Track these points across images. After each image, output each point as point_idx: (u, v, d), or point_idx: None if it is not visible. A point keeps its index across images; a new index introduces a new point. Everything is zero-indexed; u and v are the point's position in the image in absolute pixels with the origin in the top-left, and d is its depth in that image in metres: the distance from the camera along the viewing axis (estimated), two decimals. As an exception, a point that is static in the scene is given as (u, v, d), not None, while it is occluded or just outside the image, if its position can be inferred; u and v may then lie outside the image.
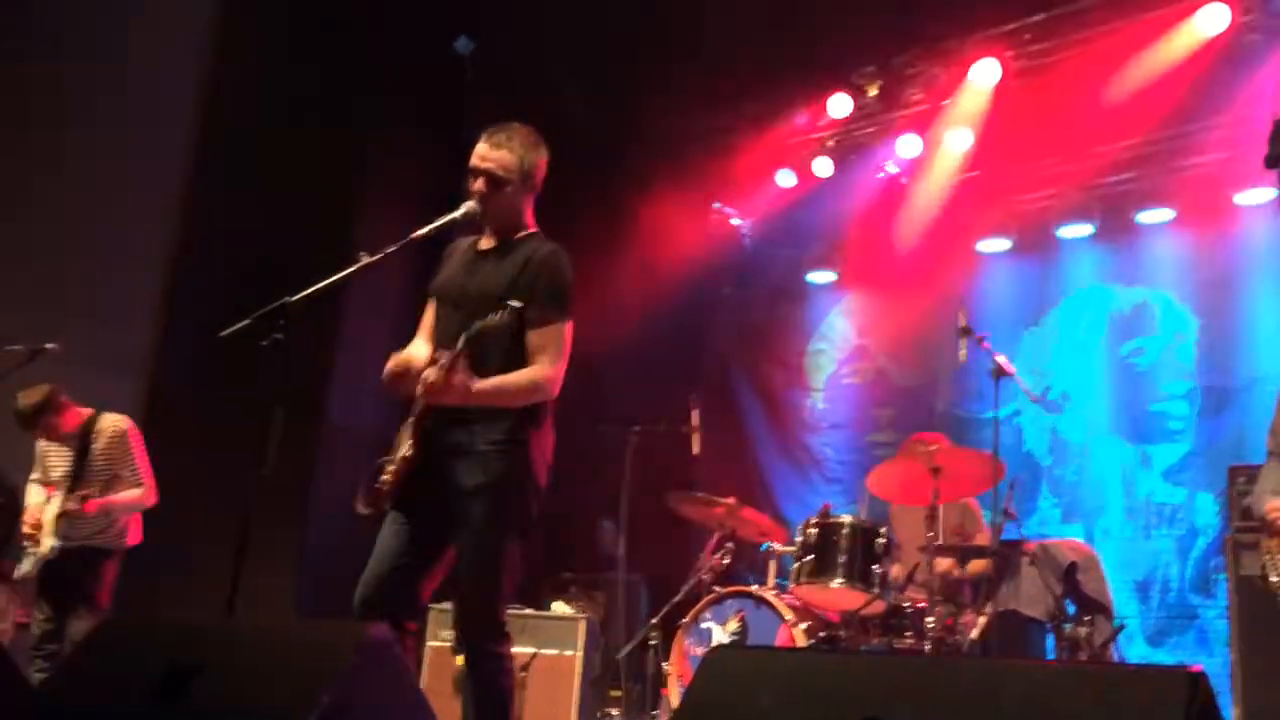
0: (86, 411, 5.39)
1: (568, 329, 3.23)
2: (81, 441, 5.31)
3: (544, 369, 3.16)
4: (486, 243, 3.37)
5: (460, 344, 3.04)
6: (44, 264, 6.44)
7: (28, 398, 5.24)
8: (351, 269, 3.22)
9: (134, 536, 5.38)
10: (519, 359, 3.17)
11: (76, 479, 5.23)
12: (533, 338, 3.18)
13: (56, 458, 5.38)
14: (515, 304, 3.13)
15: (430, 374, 3.06)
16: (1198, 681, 1.47)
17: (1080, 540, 6.43)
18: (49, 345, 5.16)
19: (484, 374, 3.13)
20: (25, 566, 5.22)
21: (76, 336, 5.47)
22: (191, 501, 5.67)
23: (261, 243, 6.49)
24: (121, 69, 6.67)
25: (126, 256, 6.75)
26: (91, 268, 6.54)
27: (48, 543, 5.17)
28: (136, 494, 5.29)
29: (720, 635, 5.10)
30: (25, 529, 5.24)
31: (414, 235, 3.25)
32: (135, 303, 6.79)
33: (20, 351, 5.14)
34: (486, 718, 3.12)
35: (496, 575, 3.13)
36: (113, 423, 5.38)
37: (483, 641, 3.13)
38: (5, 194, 6.42)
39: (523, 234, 3.34)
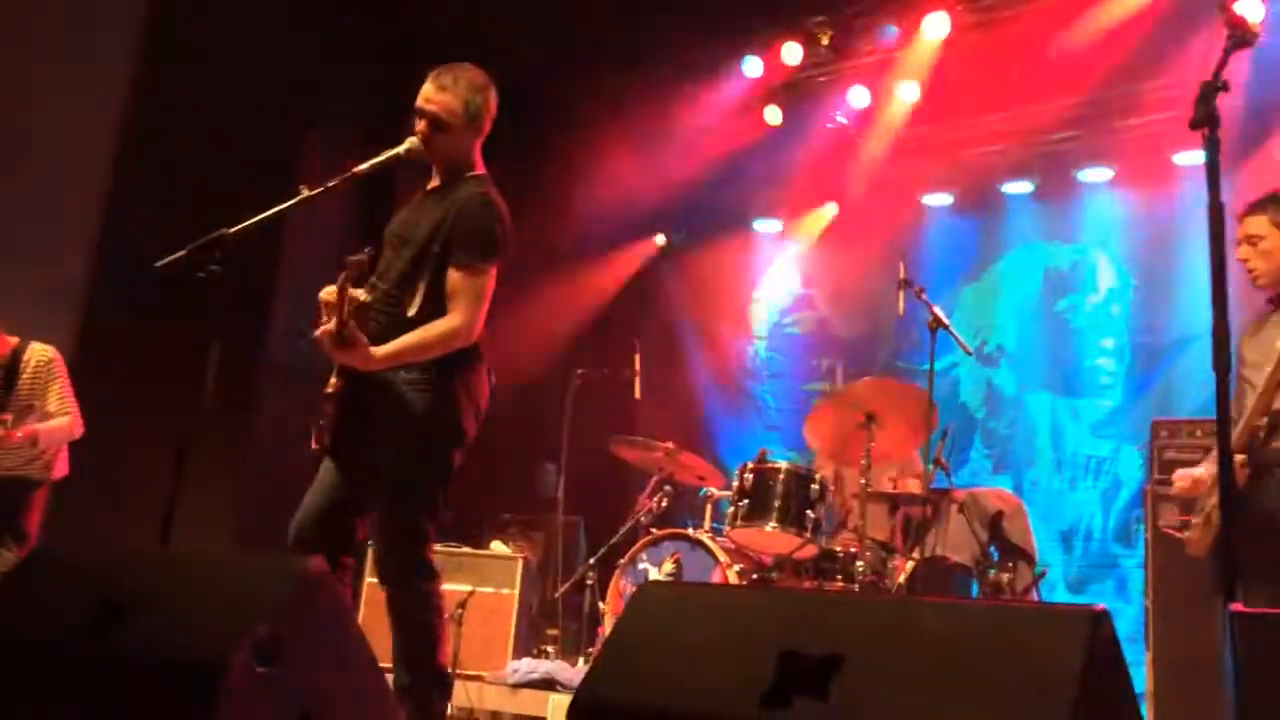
0: (13, 340, 5.30)
1: (483, 274, 3.17)
2: (7, 371, 5.22)
3: (456, 318, 3.13)
4: (433, 184, 3.36)
5: (341, 302, 2.99)
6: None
7: None
8: (291, 202, 3.19)
9: (61, 469, 5.32)
10: (440, 302, 3.16)
11: (1, 408, 5.14)
12: (449, 282, 3.15)
13: None
14: (436, 248, 3.16)
15: (319, 333, 3.05)
16: (1100, 619, 1.54)
17: (1008, 490, 6.61)
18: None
19: (402, 321, 3.15)
20: None
21: (7, 268, 5.36)
22: (126, 436, 5.61)
23: (199, 175, 6.37)
24: (66, 11, 6.47)
25: (60, 187, 6.59)
26: (24, 199, 6.38)
27: None
28: (64, 422, 5.21)
29: (656, 576, 5.19)
30: None
31: (355, 170, 3.22)
32: (69, 235, 6.65)
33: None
34: (412, 653, 3.13)
35: (412, 513, 3.13)
36: (39, 352, 5.30)
37: (400, 579, 3.13)
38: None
39: (466, 176, 3.30)
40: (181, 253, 3.07)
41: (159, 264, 3.10)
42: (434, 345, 3.13)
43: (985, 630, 1.58)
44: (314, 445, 3.22)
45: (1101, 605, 1.58)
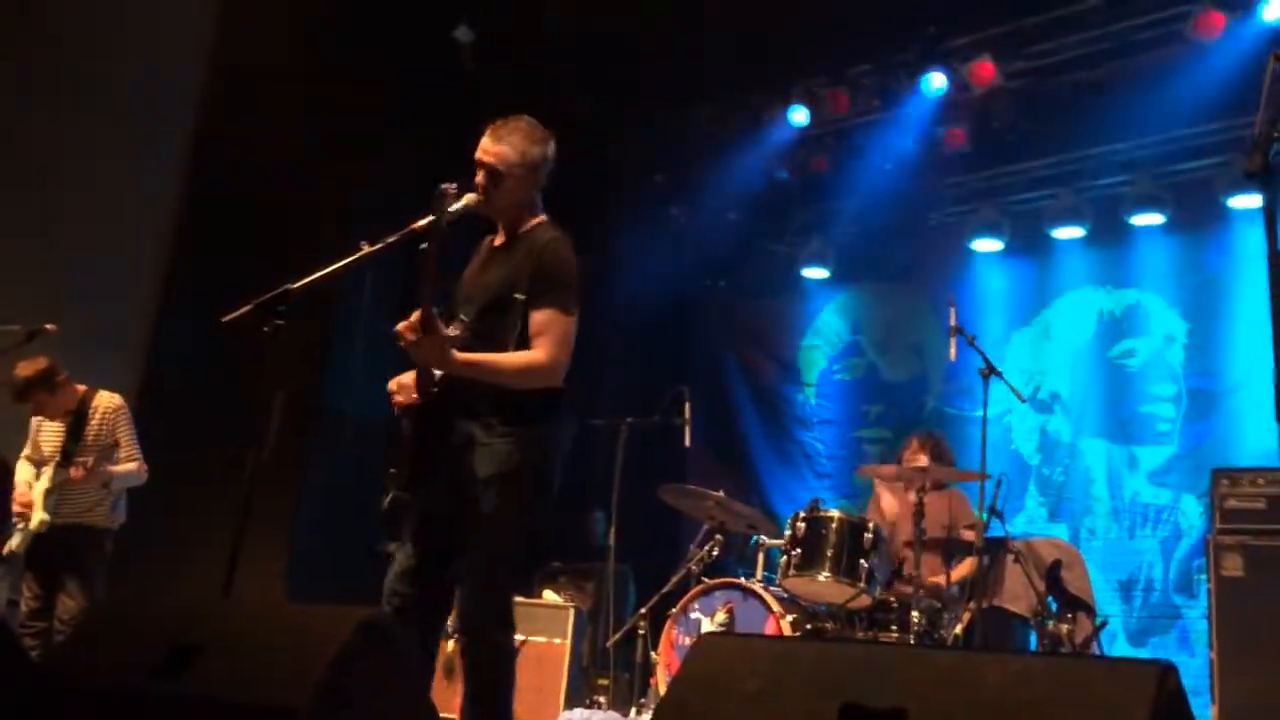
0: (82, 388, 5.44)
1: (568, 316, 3.17)
2: (76, 418, 5.36)
3: (539, 354, 3.12)
4: (499, 239, 3.39)
5: (424, 299, 3.00)
6: (42, 243, 6.47)
7: (23, 370, 5.28)
8: (352, 258, 3.24)
9: (120, 517, 5.42)
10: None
11: (68, 455, 5.27)
12: (535, 323, 3.15)
13: (49, 433, 5.42)
14: (519, 296, 3.15)
15: (402, 326, 3.06)
16: (1166, 674, 1.53)
17: (1064, 539, 6.51)
18: (47, 326, 5.20)
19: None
20: (14, 542, 5.26)
21: (74, 316, 5.51)
22: (182, 482, 5.70)
23: (262, 227, 6.53)
24: (123, 50, 6.69)
25: (126, 236, 6.78)
26: (90, 248, 6.57)
27: (38, 517, 5.21)
28: (132, 468, 5.33)
29: (708, 626, 5.15)
30: (15, 505, 5.28)
31: (413, 226, 3.26)
32: (133, 283, 6.83)
33: (17, 331, 5.17)
34: (482, 706, 3.10)
35: (505, 565, 3.13)
36: (107, 399, 5.44)
37: (485, 629, 3.10)
38: (4, 173, 6.44)
39: (529, 225, 3.33)
40: (247, 308, 3.14)
41: (225, 319, 3.16)
42: (513, 372, 3.12)
43: (1050, 685, 1.57)
44: (392, 496, 3.22)
45: (1168, 660, 1.56)
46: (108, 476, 5.22)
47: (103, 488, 5.28)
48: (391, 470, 3.20)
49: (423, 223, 3.16)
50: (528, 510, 3.15)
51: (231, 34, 6.89)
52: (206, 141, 6.93)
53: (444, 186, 3.01)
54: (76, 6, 6.66)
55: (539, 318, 3.14)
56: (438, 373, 3.19)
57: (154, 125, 6.85)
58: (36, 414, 5.44)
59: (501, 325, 3.17)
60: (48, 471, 5.29)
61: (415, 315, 3.04)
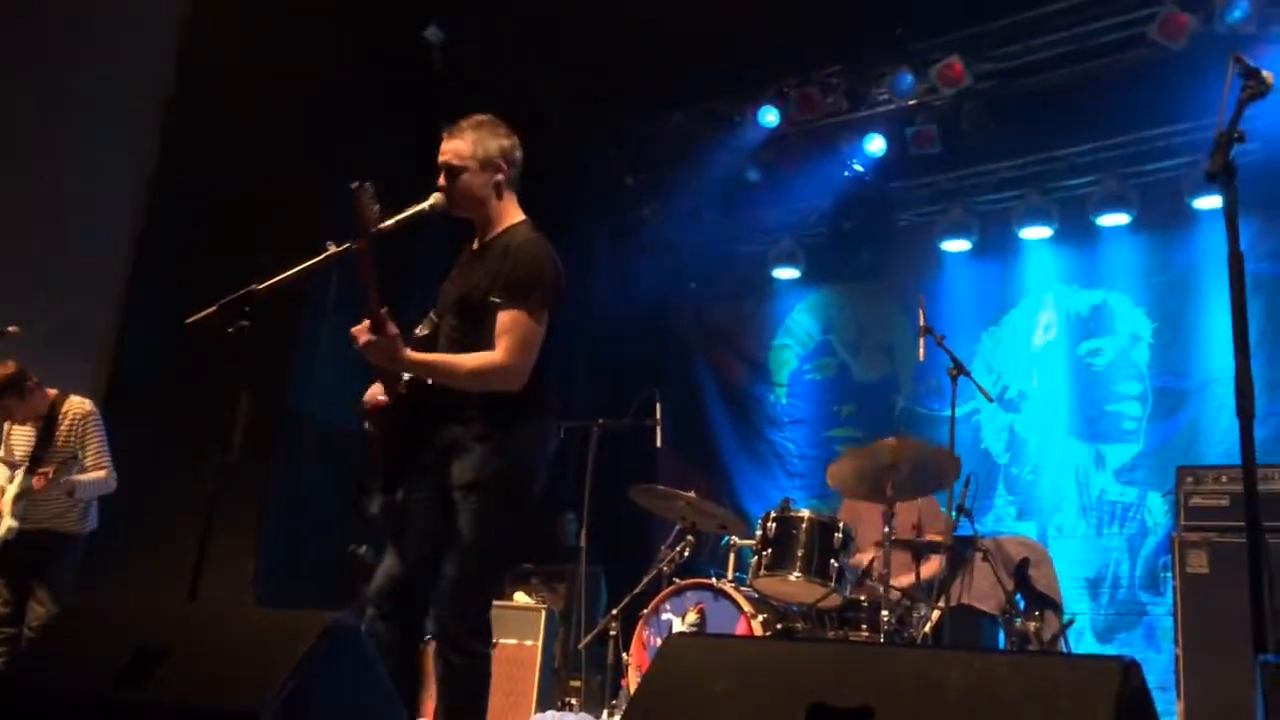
0: (53, 393, 5.38)
1: (532, 318, 3.09)
2: (47, 423, 5.29)
3: (496, 355, 3.06)
4: (476, 244, 3.35)
5: (370, 299, 2.97)
6: (5, 246, 6.38)
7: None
8: (318, 259, 3.22)
9: (91, 523, 5.37)
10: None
11: (37, 460, 5.21)
12: (499, 323, 3.09)
13: (20, 438, 5.36)
14: (495, 299, 3.12)
15: (356, 329, 3.02)
16: (1130, 670, 1.54)
17: (1033, 538, 6.56)
18: (10, 329, 5.13)
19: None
20: None
21: (37, 319, 5.44)
22: (150, 486, 5.65)
23: (227, 229, 6.47)
24: (90, 49, 6.62)
25: (90, 238, 6.70)
26: (54, 250, 6.50)
27: (5, 524, 5.15)
28: (100, 475, 5.28)
29: (679, 627, 5.15)
30: None
31: (380, 226, 3.24)
32: (98, 285, 6.75)
33: (-21, 334, 5.11)
34: (461, 715, 3.06)
35: (480, 573, 3.09)
36: (78, 404, 5.38)
37: (461, 639, 3.04)
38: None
39: (505, 225, 3.28)
40: (212, 309, 3.12)
41: (189, 320, 3.14)
42: (467, 373, 3.06)
43: (1014, 682, 1.58)
44: (381, 501, 3.21)
45: (1131, 657, 1.57)
46: (70, 486, 5.16)
47: (69, 496, 5.22)
48: (363, 475, 3.18)
49: (389, 223, 3.14)
50: (506, 518, 3.11)
51: (197, 36, 6.83)
52: (173, 142, 6.86)
53: (354, 185, 2.95)
54: (42, 9, 6.58)
55: (503, 318, 3.09)
56: (407, 375, 3.17)
57: (119, 125, 6.78)
58: (5, 419, 5.37)
59: (478, 329, 3.13)
60: (17, 477, 5.23)
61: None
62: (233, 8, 6.81)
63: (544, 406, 3.20)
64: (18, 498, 5.16)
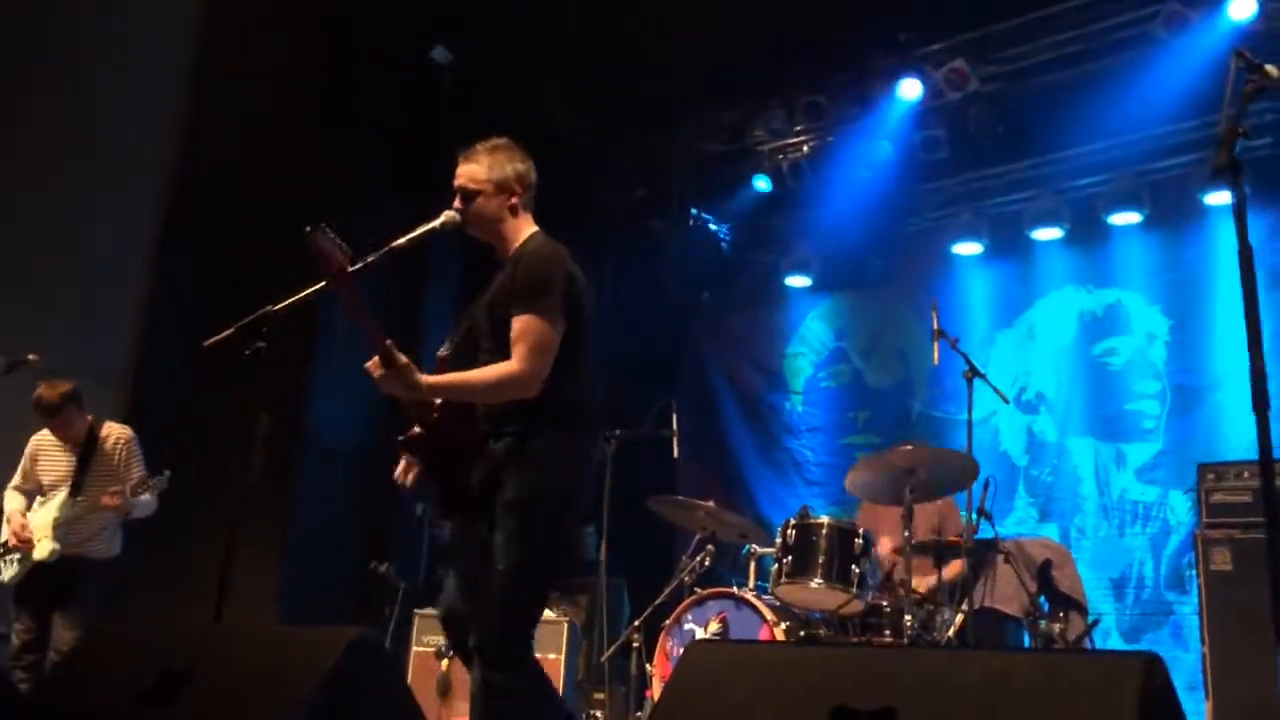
0: (89, 418, 5.42)
1: (544, 321, 3.06)
2: (85, 448, 5.33)
3: (511, 364, 3.03)
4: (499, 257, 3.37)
5: (372, 334, 2.93)
6: (23, 276, 6.45)
7: (56, 386, 5.25)
8: (317, 285, 3.21)
9: (115, 548, 5.39)
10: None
11: (79, 485, 5.24)
12: (511, 331, 3.06)
13: (54, 460, 5.35)
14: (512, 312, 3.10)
15: (369, 365, 2.99)
16: (1152, 665, 1.54)
17: (1054, 539, 6.53)
18: (30, 356, 5.17)
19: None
20: (9, 574, 5.20)
21: (55, 348, 5.49)
22: (171, 508, 5.68)
23: (240, 253, 6.52)
24: (105, 71, 6.70)
25: (106, 267, 6.76)
26: (70, 279, 6.56)
27: (48, 547, 5.15)
28: (148, 498, 5.29)
29: (702, 636, 5.15)
30: (11, 538, 5.21)
31: (393, 245, 3.25)
32: (116, 313, 6.80)
33: (0, 363, 5.15)
34: None
35: (515, 589, 2.99)
36: (120, 429, 5.44)
37: (499, 659, 2.95)
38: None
39: (520, 241, 3.30)
40: (228, 331, 3.14)
41: (207, 343, 3.17)
42: (484, 387, 3.04)
43: (1035, 680, 1.58)
44: (435, 521, 3.22)
45: (1154, 652, 1.57)
46: (130, 507, 5.19)
47: (114, 519, 5.25)
48: (422, 503, 3.19)
49: (402, 240, 3.18)
50: (543, 533, 3.05)
51: (211, 49, 6.90)
52: (187, 164, 6.92)
53: (309, 230, 2.92)
54: (58, 31, 6.66)
55: (515, 326, 3.07)
56: (439, 400, 3.16)
57: (134, 148, 6.84)
58: (57, 434, 5.34)
59: (505, 348, 3.11)
60: (55, 501, 5.24)
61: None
62: (242, 37, 6.87)
63: (580, 418, 3.16)
64: (58, 522, 5.18)
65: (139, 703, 2.25)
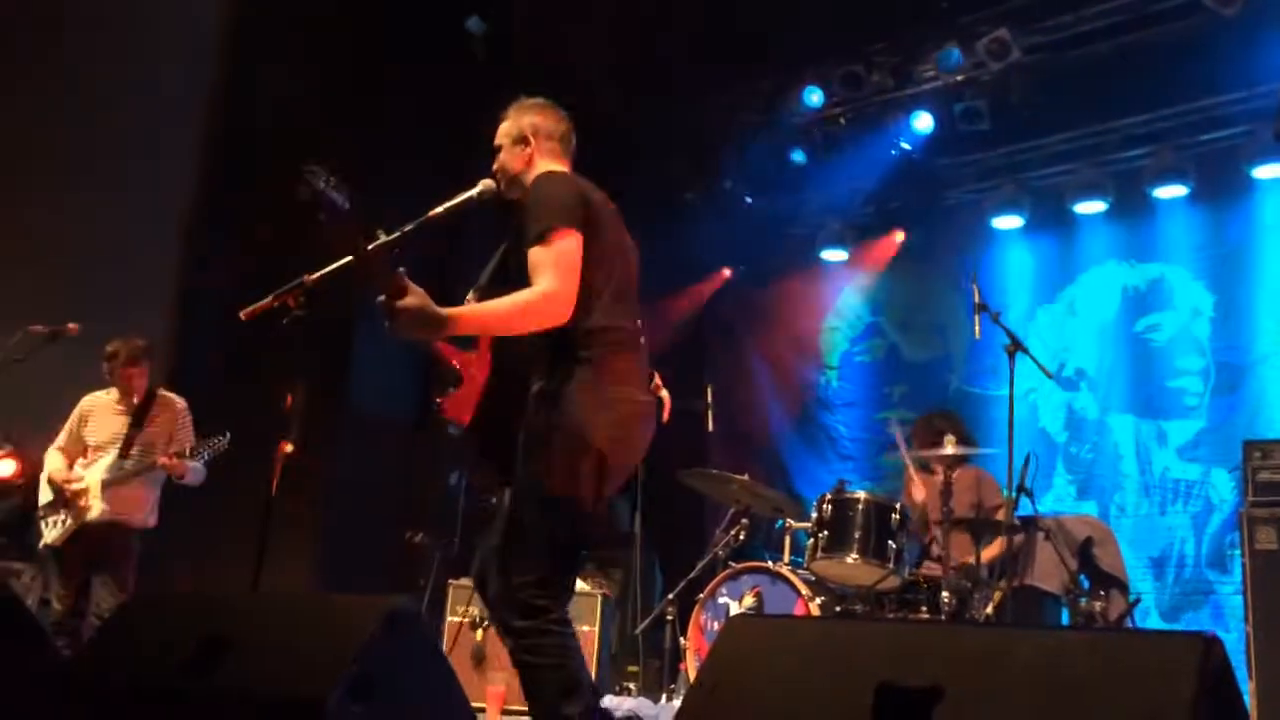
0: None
1: (562, 237, 2.83)
2: (142, 408, 5.37)
3: (537, 286, 2.79)
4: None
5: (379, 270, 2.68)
6: (60, 246, 6.50)
7: (133, 339, 5.36)
8: (348, 257, 3.17)
9: (154, 518, 5.42)
10: None
11: (128, 446, 5.27)
12: (528, 263, 2.84)
13: (105, 421, 5.36)
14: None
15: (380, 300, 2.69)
16: (1211, 645, 1.49)
17: (1095, 516, 6.45)
18: (70, 326, 5.20)
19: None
20: (52, 535, 5.23)
21: (95, 316, 5.51)
22: (210, 478, 5.71)
23: (279, 223, 6.53)
24: (139, 51, 6.72)
25: (145, 236, 6.80)
26: (106, 254, 6.60)
27: (97, 506, 5.19)
28: (201, 466, 5.31)
29: (736, 611, 5.14)
30: (65, 487, 5.22)
31: (430, 214, 3.23)
32: (154, 281, 6.85)
33: (41, 332, 5.18)
34: (531, 697, 2.77)
35: (521, 545, 2.80)
36: (175, 397, 5.48)
37: (507, 618, 2.80)
38: (27, 182, 6.48)
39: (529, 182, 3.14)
40: (265, 300, 3.13)
41: (243, 312, 3.16)
42: (513, 313, 2.79)
43: (1089, 659, 1.54)
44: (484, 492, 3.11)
45: (1211, 632, 1.52)
46: (185, 470, 5.22)
47: (157, 484, 5.29)
48: (456, 472, 3.11)
49: (439, 210, 3.15)
50: (554, 485, 2.80)
51: (238, 29, 6.90)
52: (223, 134, 6.94)
53: (321, 218, 2.87)
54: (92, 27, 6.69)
55: (532, 253, 2.85)
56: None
57: (169, 119, 6.87)
58: (124, 388, 5.35)
59: (520, 280, 2.91)
60: (103, 462, 5.25)
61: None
62: (273, 9, 6.87)
63: (609, 348, 2.92)
64: (107, 484, 5.21)
65: (180, 671, 2.26)
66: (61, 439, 5.42)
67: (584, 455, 2.81)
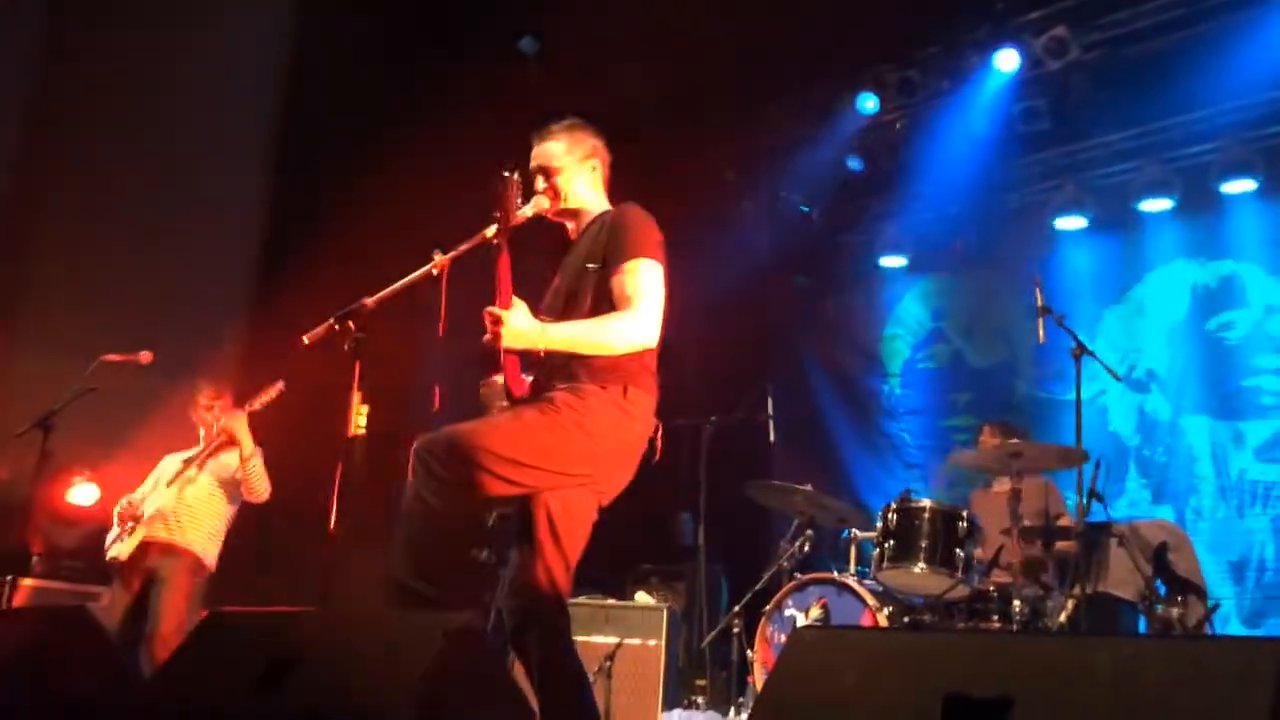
0: None
1: (649, 268, 2.97)
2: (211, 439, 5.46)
3: (628, 311, 2.92)
4: (572, 236, 3.34)
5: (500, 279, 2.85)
6: (134, 273, 6.66)
7: (212, 382, 5.54)
8: (425, 268, 3.25)
9: (212, 561, 5.46)
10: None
11: (200, 463, 5.38)
12: (611, 289, 2.97)
13: (175, 464, 5.46)
14: (591, 265, 3.03)
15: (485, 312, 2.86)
16: (1291, 652, 1.44)
17: (1170, 521, 6.30)
18: (143, 354, 5.32)
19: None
20: (121, 548, 5.29)
21: (167, 344, 5.63)
22: (277, 498, 5.79)
23: (343, 249, 6.63)
24: (202, 83, 6.89)
25: (215, 266, 6.95)
26: (182, 277, 6.75)
27: (158, 525, 5.27)
28: (263, 472, 5.36)
29: (803, 622, 5.10)
30: (125, 509, 5.31)
31: (484, 234, 3.26)
32: (223, 312, 6.99)
33: (115, 360, 5.30)
34: (544, 704, 2.76)
35: (542, 540, 2.86)
36: (238, 417, 5.55)
37: (521, 619, 2.85)
38: (97, 212, 6.66)
39: (597, 214, 3.26)
40: (326, 324, 3.18)
41: (305, 336, 3.21)
42: (606, 333, 2.90)
43: (1165, 667, 1.50)
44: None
45: (1292, 638, 1.48)
46: (253, 452, 5.24)
47: (219, 502, 5.36)
48: None
49: (492, 230, 3.16)
50: (574, 479, 2.88)
51: (299, 61, 7.04)
52: (286, 168, 7.07)
53: (505, 173, 2.95)
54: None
55: (617, 280, 2.97)
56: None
57: (237, 153, 7.03)
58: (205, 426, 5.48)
59: (578, 307, 3.03)
60: (173, 486, 5.37)
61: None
62: (332, 39, 7.00)
63: (640, 372, 3.00)
64: (173, 503, 5.29)
65: (249, 692, 2.29)
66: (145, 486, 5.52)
67: (609, 462, 2.94)
